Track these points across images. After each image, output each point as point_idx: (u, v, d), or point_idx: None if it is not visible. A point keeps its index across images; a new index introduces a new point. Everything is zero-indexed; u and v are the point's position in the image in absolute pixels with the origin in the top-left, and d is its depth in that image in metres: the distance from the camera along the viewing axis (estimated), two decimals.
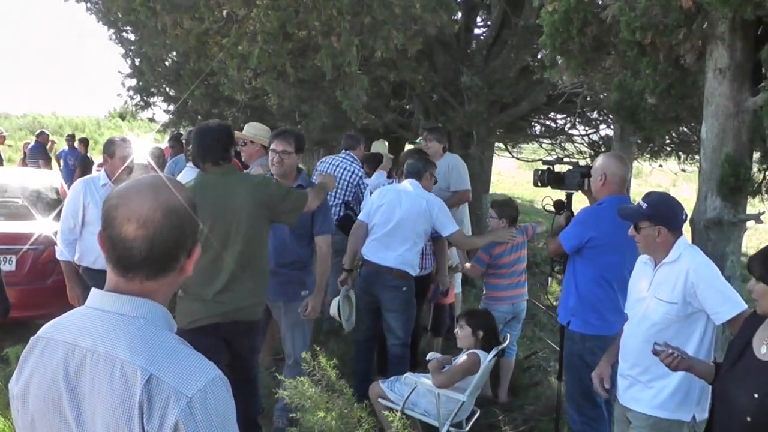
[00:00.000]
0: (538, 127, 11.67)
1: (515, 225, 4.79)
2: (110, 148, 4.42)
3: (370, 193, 5.33)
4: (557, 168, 4.30)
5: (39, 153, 12.88)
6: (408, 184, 4.54)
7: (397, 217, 4.40)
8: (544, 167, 4.31)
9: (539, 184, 4.30)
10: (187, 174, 4.96)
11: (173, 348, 1.30)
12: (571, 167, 4.16)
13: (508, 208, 4.83)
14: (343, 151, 6.18)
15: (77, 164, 12.64)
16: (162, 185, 1.35)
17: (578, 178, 4.03)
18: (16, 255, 5.35)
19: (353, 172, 5.94)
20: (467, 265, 4.91)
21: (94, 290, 1.37)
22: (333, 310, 4.48)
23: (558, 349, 4.30)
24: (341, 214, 5.78)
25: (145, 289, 1.33)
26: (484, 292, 4.88)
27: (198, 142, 3.40)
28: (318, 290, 3.96)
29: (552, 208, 4.20)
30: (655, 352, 2.52)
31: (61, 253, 4.35)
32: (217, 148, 3.35)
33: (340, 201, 5.84)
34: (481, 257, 4.74)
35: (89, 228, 4.33)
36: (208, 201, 3.21)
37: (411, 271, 4.43)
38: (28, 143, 13.72)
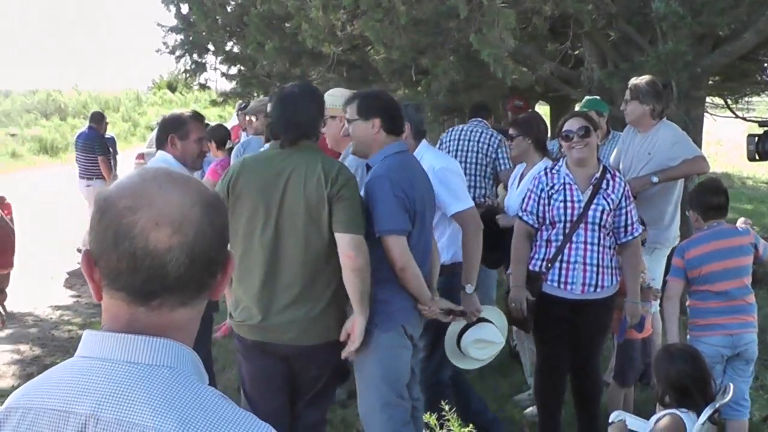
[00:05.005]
0: None
1: (715, 218, 4.03)
2: (181, 126, 3.75)
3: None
4: None
5: (96, 145, 8.67)
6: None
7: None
8: (761, 131, 3.87)
9: (757, 157, 3.86)
10: None
11: (215, 406, 1.02)
12: None
13: (704, 195, 4.08)
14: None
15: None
16: (182, 174, 1.10)
17: None
18: None
19: (488, 143, 5.24)
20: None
21: (88, 333, 1.10)
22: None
23: None
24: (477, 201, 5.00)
25: (175, 321, 1.07)
26: (688, 318, 4.23)
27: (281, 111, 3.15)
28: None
29: None
30: None
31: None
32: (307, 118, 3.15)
33: (472, 184, 5.21)
34: (676, 263, 4.04)
35: None
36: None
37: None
38: (83, 131, 9.38)
